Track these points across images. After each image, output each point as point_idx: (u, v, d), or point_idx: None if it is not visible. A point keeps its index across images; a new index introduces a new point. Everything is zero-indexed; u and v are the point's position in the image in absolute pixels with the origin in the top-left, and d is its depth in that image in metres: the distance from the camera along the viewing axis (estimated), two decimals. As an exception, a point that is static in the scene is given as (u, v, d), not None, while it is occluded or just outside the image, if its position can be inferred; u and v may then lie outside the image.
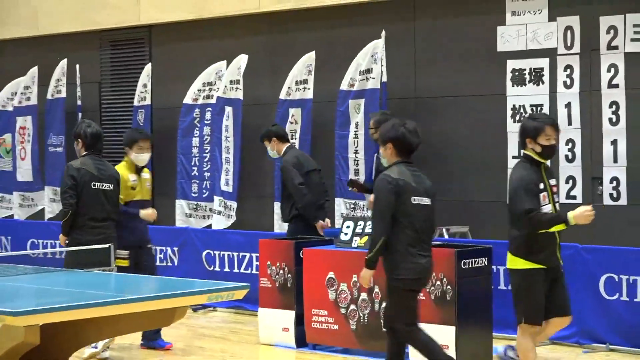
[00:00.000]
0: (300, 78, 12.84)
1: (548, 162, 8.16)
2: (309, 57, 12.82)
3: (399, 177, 8.01)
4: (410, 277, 8.00)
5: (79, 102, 15.13)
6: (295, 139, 12.74)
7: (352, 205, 12.41)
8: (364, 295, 9.94)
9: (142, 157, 10.34)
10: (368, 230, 10.14)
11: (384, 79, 12.13)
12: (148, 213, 10.21)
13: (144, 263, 10.23)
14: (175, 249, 13.13)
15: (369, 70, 12.26)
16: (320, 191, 11.47)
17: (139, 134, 10.54)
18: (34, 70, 15.49)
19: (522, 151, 8.15)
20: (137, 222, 10.18)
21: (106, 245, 8.92)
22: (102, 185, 9.90)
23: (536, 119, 8.24)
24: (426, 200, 8.11)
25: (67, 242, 9.86)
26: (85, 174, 9.77)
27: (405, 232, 7.98)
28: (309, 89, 12.77)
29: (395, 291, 8.11)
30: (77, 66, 15.11)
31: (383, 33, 12.08)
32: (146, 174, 10.47)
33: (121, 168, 10.24)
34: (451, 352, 9.41)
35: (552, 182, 8.12)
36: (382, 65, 12.15)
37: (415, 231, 8.01)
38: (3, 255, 9.92)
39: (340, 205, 12.47)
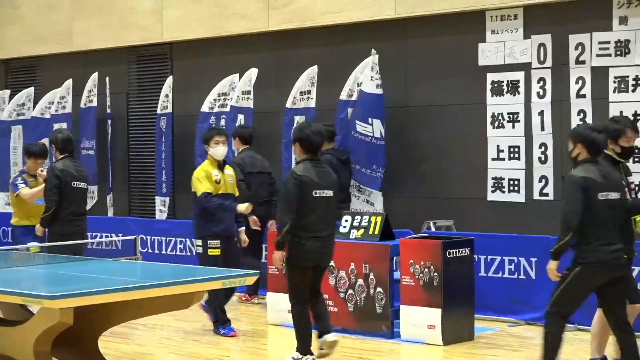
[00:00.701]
0: (304, 89, 12.83)
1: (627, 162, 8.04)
2: (312, 71, 12.81)
3: (302, 174, 8.40)
4: (299, 255, 8.42)
5: (108, 111, 15.14)
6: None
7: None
8: (360, 282, 9.96)
9: (218, 150, 9.99)
10: (364, 224, 10.18)
11: (374, 90, 12.18)
12: (245, 206, 9.93)
13: (231, 253, 10.10)
14: (194, 240, 13.11)
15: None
16: (262, 191, 11.90)
17: (214, 129, 10.31)
18: (68, 82, 15.49)
19: (604, 151, 7.85)
20: (225, 213, 9.97)
21: (132, 237, 8.96)
22: (80, 184, 10.29)
23: (618, 122, 8.03)
24: (328, 193, 8.52)
25: (45, 232, 10.24)
26: (67, 175, 10.14)
27: (305, 220, 8.36)
28: (312, 98, 12.75)
29: (289, 268, 8.51)
30: (107, 78, 15.11)
31: (373, 51, 12.08)
32: (228, 170, 10.20)
33: (205, 165, 10.06)
34: (437, 331, 9.48)
35: (630, 179, 7.99)
36: (359, 77, 12.22)
37: (315, 218, 8.40)
38: (44, 245, 9.94)
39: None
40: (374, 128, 12.12)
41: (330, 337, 8.60)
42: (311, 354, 8.57)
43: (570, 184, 7.39)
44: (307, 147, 8.54)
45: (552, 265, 7.49)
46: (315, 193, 8.41)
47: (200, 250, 10.03)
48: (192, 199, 10.13)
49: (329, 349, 8.61)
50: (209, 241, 9.90)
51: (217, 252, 9.96)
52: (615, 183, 7.48)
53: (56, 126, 15.47)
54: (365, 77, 12.18)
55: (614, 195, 7.40)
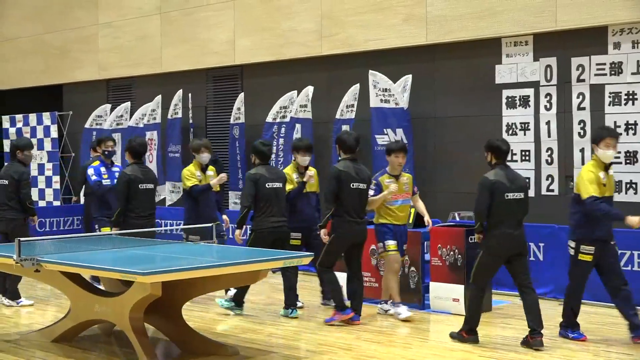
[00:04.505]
0: (349, 103, 12.78)
1: None
2: (355, 88, 12.77)
3: (130, 173, 9.55)
4: (130, 228, 9.40)
5: (190, 121, 15.19)
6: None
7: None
8: (397, 262, 9.87)
9: (607, 152, 7.95)
10: (400, 214, 10.09)
11: (406, 105, 12.08)
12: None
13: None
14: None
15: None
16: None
17: (607, 131, 8.15)
18: (158, 98, 15.57)
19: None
20: None
21: (210, 225, 8.92)
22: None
23: None
24: (149, 186, 9.67)
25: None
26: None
27: (131, 204, 9.56)
28: (353, 111, 12.73)
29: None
30: (190, 95, 15.17)
31: (370, 73, 11.98)
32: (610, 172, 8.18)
33: (591, 166, 8.07)
34: (461, 304, 9.38)
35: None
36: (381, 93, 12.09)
37: (137, 204, 9.57)
38: (134, 231, 9.96)
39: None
40: (390, 137, 12.06)
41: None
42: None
43: None
44: (134, 154, 9.76)
45: None
46: (141, 186, 9.59)
47: (572, 252, 8.39)
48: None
49: None
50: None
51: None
52: None
53: (148, 134, 15.58)
54: (371, 95, 12.19)
55: None
